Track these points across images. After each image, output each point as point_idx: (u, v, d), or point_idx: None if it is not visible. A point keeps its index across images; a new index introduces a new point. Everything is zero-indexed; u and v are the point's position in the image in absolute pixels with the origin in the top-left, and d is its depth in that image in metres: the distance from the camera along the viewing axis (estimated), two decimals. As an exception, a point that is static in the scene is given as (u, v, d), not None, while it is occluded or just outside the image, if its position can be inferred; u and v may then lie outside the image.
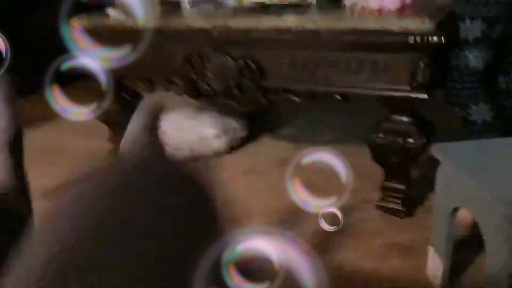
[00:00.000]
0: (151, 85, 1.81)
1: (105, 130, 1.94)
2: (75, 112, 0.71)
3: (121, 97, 1.84)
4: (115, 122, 1.80)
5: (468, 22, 1.26)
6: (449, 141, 1.10)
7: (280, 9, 1.51)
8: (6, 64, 0.73)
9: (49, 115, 1.22)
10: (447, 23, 1.27)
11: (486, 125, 1.35)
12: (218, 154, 1.94)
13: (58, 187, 0.52)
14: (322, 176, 1.03)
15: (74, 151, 2.03)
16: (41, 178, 1.12)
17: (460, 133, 1.39)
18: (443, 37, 1.18)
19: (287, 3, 1.55)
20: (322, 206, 1.22)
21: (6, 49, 0.79)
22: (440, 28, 1.20)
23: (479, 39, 1.27)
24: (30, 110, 1.55)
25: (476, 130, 1.37)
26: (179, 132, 1.94)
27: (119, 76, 1.67)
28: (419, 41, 1.20)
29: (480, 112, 1.34)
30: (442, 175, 1.08)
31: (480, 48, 1.29)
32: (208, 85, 1.64)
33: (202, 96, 1.70)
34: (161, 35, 1.44)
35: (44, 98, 0.67)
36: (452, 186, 1.05)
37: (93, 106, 0.71)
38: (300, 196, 1.26)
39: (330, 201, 1.17)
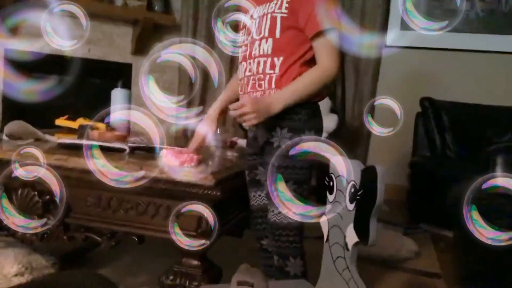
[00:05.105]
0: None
1: None
2: None
3: None
4: None
5: None
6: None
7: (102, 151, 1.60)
8: None
9: None
10: (232, 179, 1.49)
11: (296, 278, 1.47)
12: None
13: None
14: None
15: None
16: None
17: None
18: (220, 192, 1.37)
19: (109, 147, 1.68)
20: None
21: None
22: (219, 184, 1.39)
23: None
24: None
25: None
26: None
27: None
28: (202, 194, 1.38)
29: (295, 265, 1.48)
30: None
31: None
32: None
33: (4, 231, 1.64)
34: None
35: None
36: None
37: None
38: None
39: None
